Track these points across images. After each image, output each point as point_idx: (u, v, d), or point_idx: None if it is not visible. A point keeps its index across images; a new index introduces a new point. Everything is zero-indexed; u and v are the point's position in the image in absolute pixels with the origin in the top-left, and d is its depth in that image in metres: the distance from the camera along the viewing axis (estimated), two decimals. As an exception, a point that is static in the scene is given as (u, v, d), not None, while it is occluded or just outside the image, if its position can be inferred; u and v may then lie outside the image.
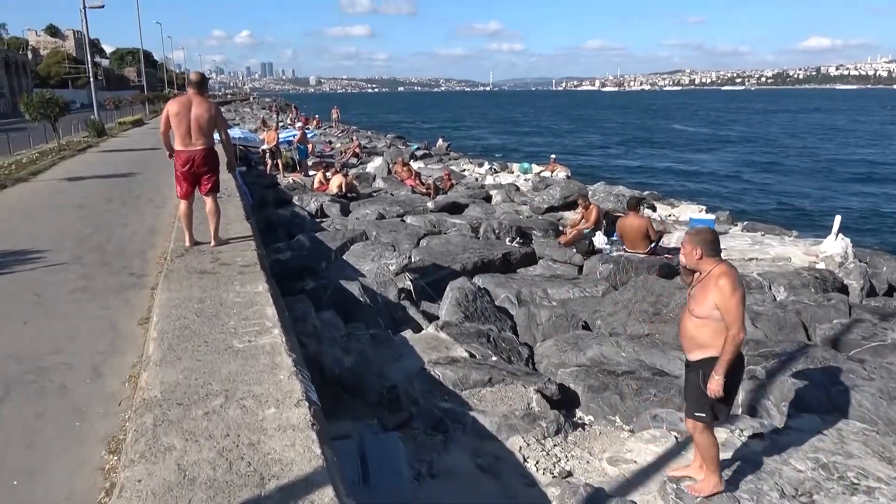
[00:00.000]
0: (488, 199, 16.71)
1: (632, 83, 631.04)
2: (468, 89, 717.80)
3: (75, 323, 4.96)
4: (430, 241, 10.90)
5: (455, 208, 14.78)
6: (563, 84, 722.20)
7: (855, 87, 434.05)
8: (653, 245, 9.14)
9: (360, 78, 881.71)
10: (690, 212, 14.78)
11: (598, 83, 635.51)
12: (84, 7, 26.42)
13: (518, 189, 17.74)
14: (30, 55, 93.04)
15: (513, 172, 20.04)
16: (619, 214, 12.57)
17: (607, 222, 10.95)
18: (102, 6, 26.80)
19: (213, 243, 6.60)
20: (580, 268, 9.51)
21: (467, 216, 13.61)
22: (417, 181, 18.46)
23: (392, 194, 16.99)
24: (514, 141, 46.75)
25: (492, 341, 6.71)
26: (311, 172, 19.80)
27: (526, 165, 20.16)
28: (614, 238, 10.32)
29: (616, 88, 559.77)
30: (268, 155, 20.33)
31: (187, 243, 6.61)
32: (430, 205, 14.62)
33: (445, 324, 6.81)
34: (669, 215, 15.19)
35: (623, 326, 7.39)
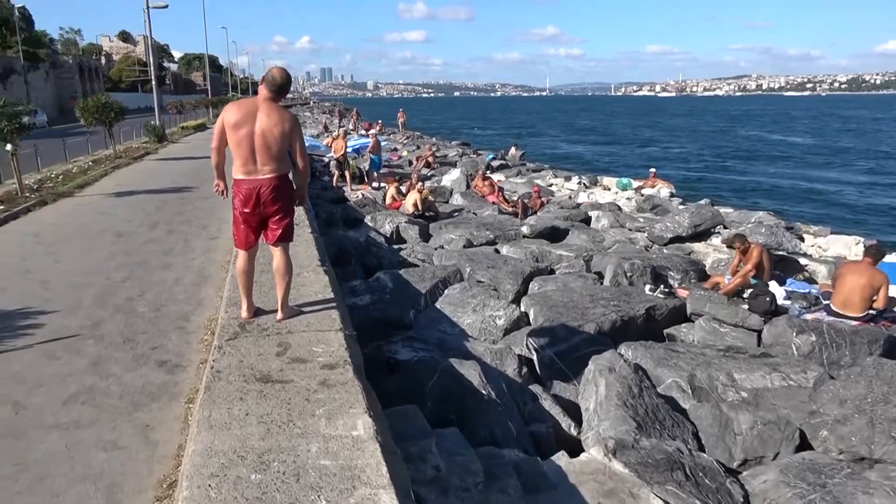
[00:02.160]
0: (587, 221, 14.34)
1: (694, 88, 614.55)
2: (524, 94, 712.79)
3: (49, 485, 2.89)
4: (543, 286, 8.63)
5: (554, 234, 12.47)
6: (623, 89, 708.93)
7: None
8: (873, 311, 6.61)
9: (416, 83, 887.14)
10: (842, 245, 12.07)
11: (658, 88, 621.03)
12: (147, 7, 25.26)
13: (621, 209, 15.32)
14: (103, 60, 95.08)
15: (609, 189, 17.60)
16: (782, 253, 10.03)
17: (767, 264, 8.42)
18: (166, 6, 25.61)
19: (279, 315, 4.51)
20: (758, 334, 7.07)
21: (573, 246, 11.29)
22: (501, 198, 16.25)
23: (475, 214, 14.80)
24: (591, 150, 43.72)
25: (689, 475, 4.40)
26: (379, 185, 17.84)
27: (625, 181, 17.68)
28: (791, 286, 7.84)
29: (674, 94, 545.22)
30: (334, 165, 18.45)
31: (244, 313, 4.55)
32: (524, 230, 12.35)
33: (618, 445, 4.52)
34: (813, 245, 12.51)
35: (867, 445, 4.96)
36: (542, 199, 15.63)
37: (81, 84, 61.83)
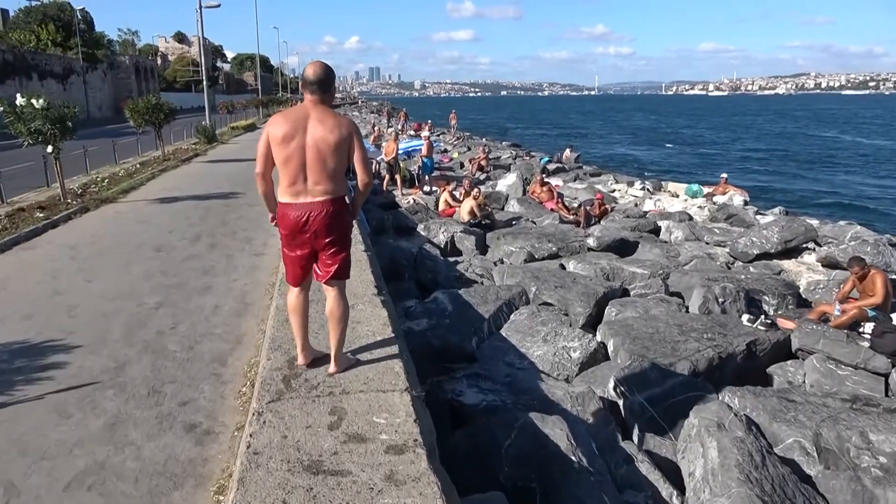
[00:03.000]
0: (656, 231, 13.24)
1: (749, 87, 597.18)
2: (573, 93, 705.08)
3: None
4: (622, 312, 7.67)
5: (623, 247, 11.47)
6: (674, 88, 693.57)
7: None
8: None
9: (462, 82, 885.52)
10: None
11: (711, 87, 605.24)
12: (200, 6, 25.06)
13: (692, 219, 14.14)
14: (159, 61, 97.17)
15: (677, 196, 16.39)
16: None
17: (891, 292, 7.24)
18: (218, 5, 25.38)
19: (332, 368, 3.72)
20: (885, 378, 5.97)
21: (645, 262, 10.26)
22: (561, 205, 15.26)
23: (534, 222, 13.87)
24: (648, 152, 42.01)
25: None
26: (431, 189, 17.04)
27: (695, 187, 16.43)
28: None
29: (727, 93, 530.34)
30: (384, 168, 17.74)
31: (299, 359, 3.78)
32: (590, 242, 11.35)
33: (751, 543, 3.57)
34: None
35: None
36: (606, 206, 14.58)
37: (137, 84, 63.01)
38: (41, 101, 9.19)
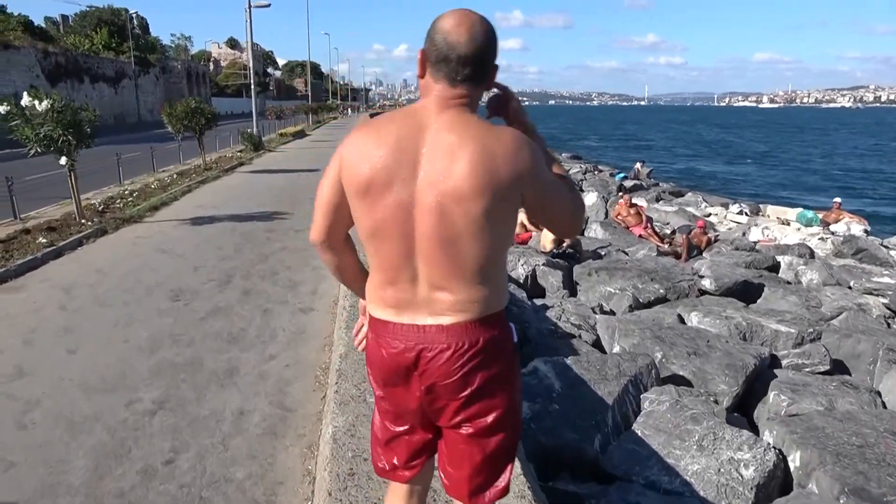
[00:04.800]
0: (774, 268, 11.02)
1: (805, 99, 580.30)
2: (623, 103, 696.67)
3: None
4: (797, 404, 5.54)
5: (745, 291, 9.34)
6: (727, 99, 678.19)
7: None
8: None
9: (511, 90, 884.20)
10: None
11: (765, 98, 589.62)
12: (249, 6, 23.69)
13: (813, 253, 11.84)
14: (211, 66, 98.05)
15: (787, 223, 14.06)
16: None
17: None
18: (268, 5, 23.99)
19: None
20: None
21: (784, 314, 8.06)
22: (651, 231, 13.14)
23: (626, 253, 11.78)
24: (721, 168, 39.04)
25: None
26: None
27: (809, 214, 14.04)
28: None
29: (781, 104, 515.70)
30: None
31: None
32: (705, 283, 9.22)
33: None
34: None
35: None
36: (709, 235, 12.38)
37: (189, 89, 62.89)
38: (45, 102, 7.54)
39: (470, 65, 1.46)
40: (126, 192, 11.49)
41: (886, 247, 12.01)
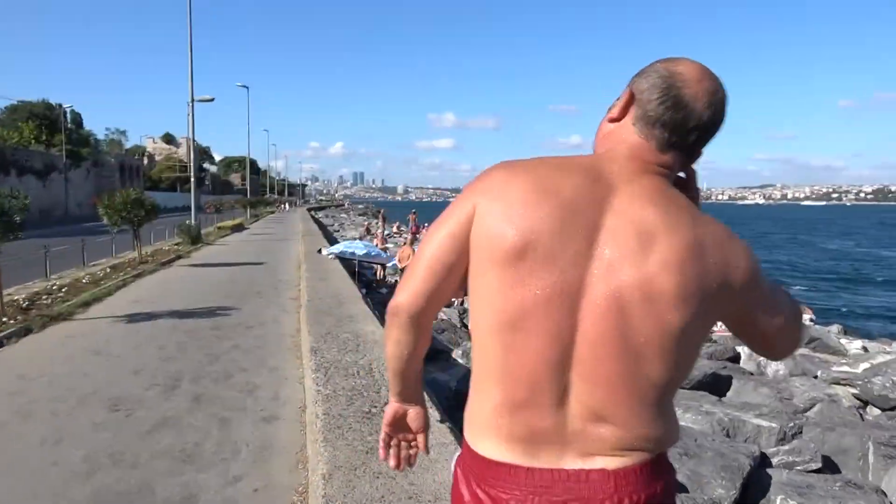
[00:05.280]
0: (735, 359, 10.92)
1: (720, 196, 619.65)
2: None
3: None
4: (812, 508, 5.19)
5: (715, 383, 9.21)
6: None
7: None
8: None
9: (444, 187, 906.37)
10: None
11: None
12: (192, 101, 23.43)
13: None
14: (146, 160, 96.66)
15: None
16: None
17: None
18: (212, 99, 23.82)
19: None
20: None
21: (759, 406, 7.95)
22: None
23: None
24: None
25: None
26: (453, 300, 14.70)
27: None
28: None
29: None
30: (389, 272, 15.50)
31: None
32: None
33: None
34: None
35: None
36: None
37: (121, 182, 61.24)
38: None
39: (698, 133, 1.09)
40: (54, 287, 10.51)
41: (846, 337, 12.19)
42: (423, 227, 37.38)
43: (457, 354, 9.78)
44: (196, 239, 21.13)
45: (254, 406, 4.97)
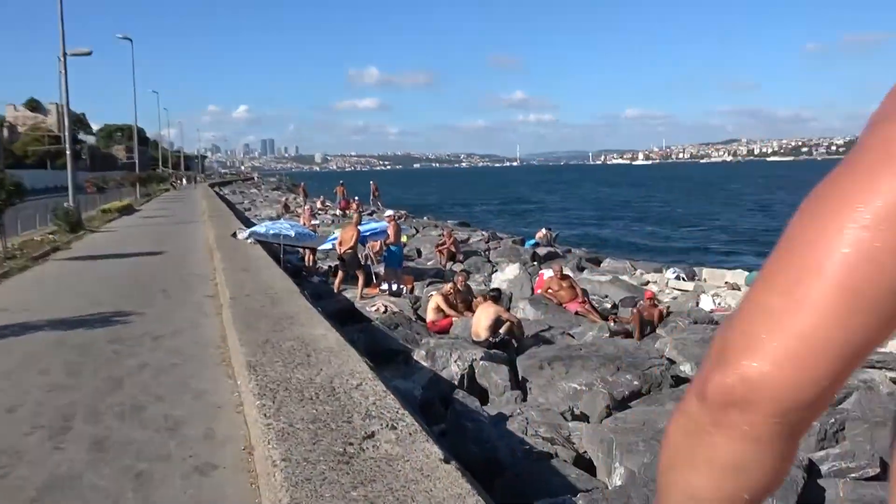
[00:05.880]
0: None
1: (680, 154, 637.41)
2: (494, 164, 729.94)
3: None
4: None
5: None
6: (602, 157, 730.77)
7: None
8: None
9: (370, 154, 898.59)
10: None
11: (640, 155, 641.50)
12: (64, 55, 21.72)
13: None
14: (5, 133, 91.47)
15: (737, 287, 14.16)
16: None
17: None
18: (89, 52, 22.18)
19: None
20: None
21: None
22: (588, 306, 12.75)
23: (572, 336, 11.14)
24: (625, 230, 41.04)
25: None
26: (398, 287, 14.15)
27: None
28: None
29: (658, 161, 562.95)
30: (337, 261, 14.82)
31: None
32: (686, 370, 8.73)
33: None
34: None
35: None
36: (660, 307, 12.06)
37: (-25, 160, 57.44)
38: None
39: None
40: None
41: None
42: (354, 202, 36.57)
43: (419, 356, 9.25)
44: (76, 225, 19.80)
45: (180, 451, 4.24)
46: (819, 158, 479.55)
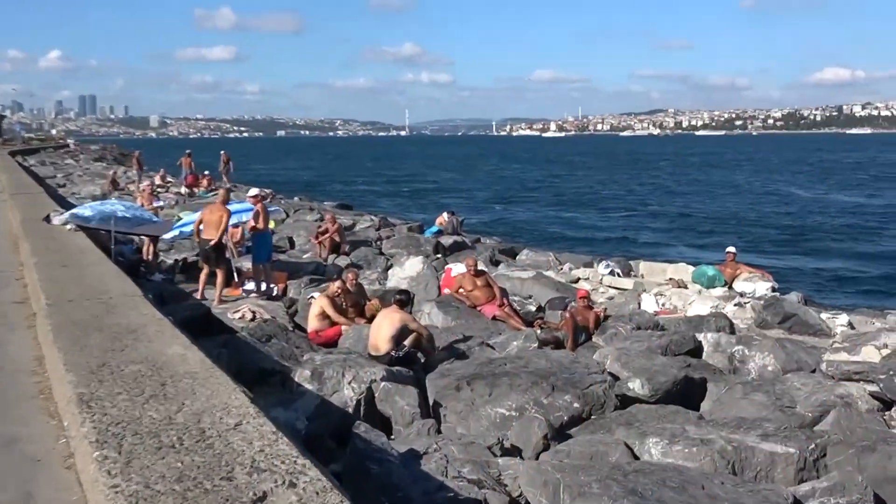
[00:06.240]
0: (696, 352, 11.01)
1: (599, 126, 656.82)
2: (378, 133, 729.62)
3: None
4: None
5: (688, 391, 9.47)
6: (507, 127, 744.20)
7: (875, 131, 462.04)
8: None
9: (221, 118, 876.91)
10: None
11: (553, 126, 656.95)
12: None
13: (732, 326, 12.16)
14: None
15: (682, 285, 14.50)
16: None
17: None
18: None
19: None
20: None
21: (761, 424, 8.12)
22: (509, 310, 12.72)
23: (492, 346, 11.03)
24: (543, 215, 42.11)
25: None
26: (267, 286, 13.71)
27: (710, 271, 14.68)
28: None
29: (573, 132, 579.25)
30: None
31: None
32: (635, 387, 9.09)
33: None
34: None
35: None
36: (596, 310, 12.14)
37: None
38: None
39: None
40: None
41: (829, 311, 12.80)
42: (204, 177, 35.43)
43: (301, 377, 8.90)
44: None
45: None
46: (755, 133, 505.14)
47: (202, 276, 13.34)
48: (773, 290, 14.71)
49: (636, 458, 7.09)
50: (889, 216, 40.04)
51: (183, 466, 3.68)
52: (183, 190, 32.56)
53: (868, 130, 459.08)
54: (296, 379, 8.90)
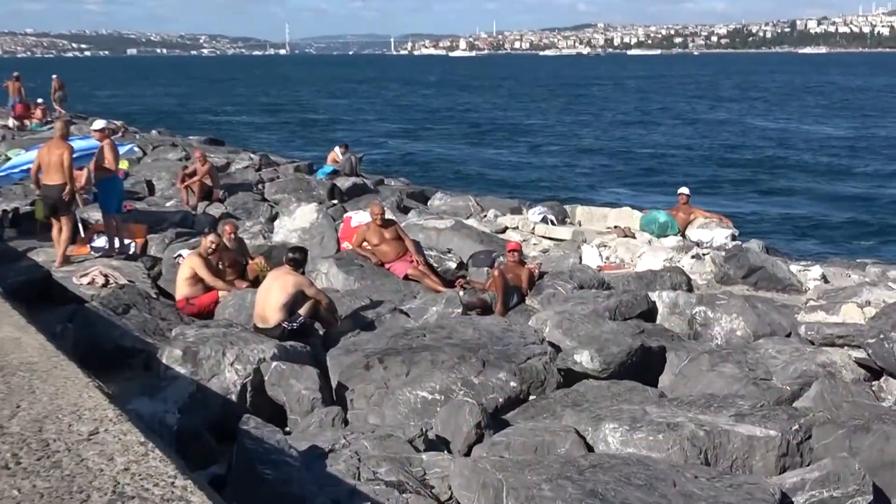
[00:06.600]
0: (649, 314, 11.16)
1: (517, 43, 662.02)
2: (252, 52, 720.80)
3: None
4: None
5: (645, 362, 9.34)
6: (409, 44, 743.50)
7: (831, 50, 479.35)
8: None
9: (56, 33, 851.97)
10: None
11: (462, 43, 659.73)
12: None
13: (690, 282, 12.33)
14: None
15: (629, 234, 14.61)
16: None
17: None
18: None
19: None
20: None
21: (734, 402, 8.00)
22: (424, 267, 12.67)
23: (406, 313, 11.05)
24: (455, 149, 42.62)
25: None
26: (121, 243, 13.36)
27: (662, 217, 14.82)
28: None
29: (486, 52, 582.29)
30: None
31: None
32: (583, 360, 9.26)
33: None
34: None
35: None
36: (530, 266, 12.15)
37: None
38: None
39: None
40: None
41: (798, 262, 13.02)
42: (37, 106, 34.41)
43: (170, 357, 8.68)
44: None
45: None
46: (696, 52, 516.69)
47: (55, 234, 12.77)
48: (733, 238, 14.98)
49: (590, 448, 7.07)
50: (859, 150, 41.68)
51: (20, 496, 3.38)
52: (10, 122, 31.59)
53: (824, 49, 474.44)
54: (163, 360, 8.78)
